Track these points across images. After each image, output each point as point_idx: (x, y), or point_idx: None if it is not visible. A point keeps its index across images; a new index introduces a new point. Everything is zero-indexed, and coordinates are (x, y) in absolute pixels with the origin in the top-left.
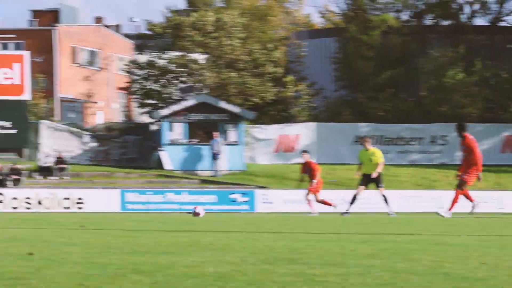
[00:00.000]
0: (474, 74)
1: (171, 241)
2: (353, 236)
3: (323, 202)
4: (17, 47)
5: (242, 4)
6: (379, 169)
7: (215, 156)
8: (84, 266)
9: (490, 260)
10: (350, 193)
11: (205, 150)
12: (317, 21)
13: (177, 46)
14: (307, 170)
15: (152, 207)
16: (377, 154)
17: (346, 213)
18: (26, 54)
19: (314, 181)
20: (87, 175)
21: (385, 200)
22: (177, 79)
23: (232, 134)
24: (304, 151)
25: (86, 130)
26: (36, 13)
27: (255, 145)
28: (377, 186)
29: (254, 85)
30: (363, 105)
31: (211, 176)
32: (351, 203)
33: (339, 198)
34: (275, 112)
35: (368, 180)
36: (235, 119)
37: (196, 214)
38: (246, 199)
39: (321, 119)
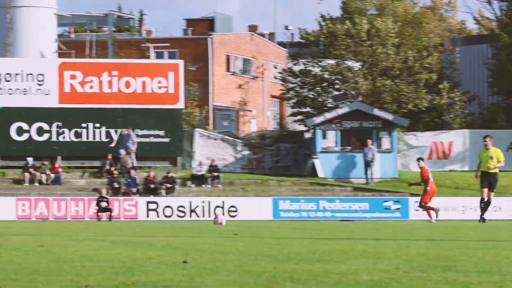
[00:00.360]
0: None
1: (325, 249)
2: (506, 243)
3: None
4: (172, 56)
5: (395, 11)
6: (499, 164)
7: (368, 164)
8: (238, 274)
9: None
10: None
11: (358, 157)
12: (472, 27)
13: (331, 54)
14: (422, 177)
15: (304, 215)
16: (498, 153)
17: (482, 219)
18: (180, 63)
19: (428, 188)
20: (240, 183)
21: (486, 206)
22: (331, 87)
23: (386, 141)
24: (419, 158)
25: (240, 138)
26: (191, 22)
27: (408, 152)
28: (490, 190)
29: (408, 93)
30: None
31: (364, 184)
32: (484, 209)
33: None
34: (428, 119)
35: (487, 181)
36: (388, 126)
37: (218, 223)
38: (398, 206)
39: (475, 126)
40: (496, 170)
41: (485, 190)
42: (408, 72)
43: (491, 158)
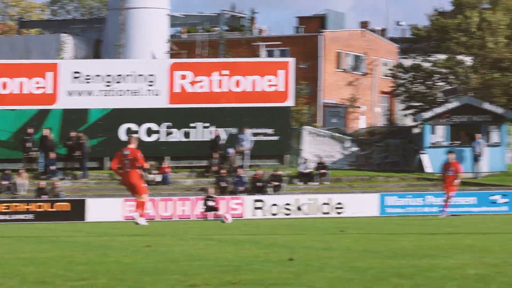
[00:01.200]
0: None
1: (431, 244)
2: None
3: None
4: (283, 54)
5: (509, 4)
6: None
7: (476, 158)
8: (344, 270)
9: None
10: None
11: (467, 152)
12: None
13: (443, 49)
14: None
15: (411, 211)
16: None
17: None
18: (291, 61)
19: (457, 181)
20: (347, 180)
21: None
22: (442, 82)
23: (494, 135)
24: (451, 152)
25: (348, 135)
26: (303, 20)
27: None
28: None
29: None
30: None
31: (472, 178)
32: None
33: None
34: None
35: None
36: (498, 120)
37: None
38: (506, 200)
39: None
40: None
41: None
42: None
43: None
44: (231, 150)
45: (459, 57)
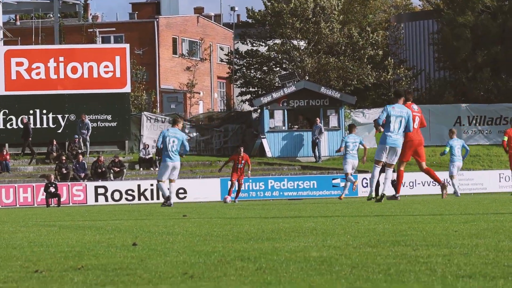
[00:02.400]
0: None
1: (274, 227)
2: (456, 217)
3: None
4: (118, 40)
5: None
6: None
7: (316, 142)
8: (188, 254)
9: None
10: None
11: (306, 136)
12: (417, 3)
13: (278, 33)
14: None
15: (253, 195)
16: None
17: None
18: (126, 47)
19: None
20: (188, 165)
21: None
22: (278, 66)
23: (333, 119)
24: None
25: (187, 120)
26: (137, 6)
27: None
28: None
29: (353, 69)
30: (464, 86)
31: (313, 162)
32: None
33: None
34: (375, 96)
35: None
36: (335, 104)
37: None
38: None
39: (423, 102)
40: None
41: None
42: (352, 49)
43: None
44: (77, 137)
45: (294, 42)
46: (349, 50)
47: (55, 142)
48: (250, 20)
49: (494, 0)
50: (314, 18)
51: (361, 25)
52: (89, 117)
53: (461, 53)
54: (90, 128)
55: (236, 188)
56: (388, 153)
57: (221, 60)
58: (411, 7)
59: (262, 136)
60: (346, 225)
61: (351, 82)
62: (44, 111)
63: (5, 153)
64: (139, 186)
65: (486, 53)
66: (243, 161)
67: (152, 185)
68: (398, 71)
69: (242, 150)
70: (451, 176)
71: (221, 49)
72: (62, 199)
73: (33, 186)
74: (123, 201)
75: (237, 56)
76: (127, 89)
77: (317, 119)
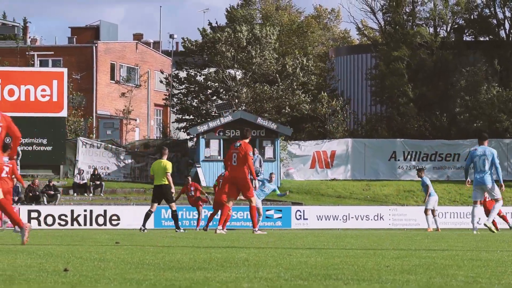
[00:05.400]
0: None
1: (206, 257)
2: (388, 252)
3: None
4: (56, 64)
5: (281, 20)
6: None
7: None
8: (119, 282)
9: None
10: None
11: None
12: (356, 37)
13: (214, 62)
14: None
15: (187, 224)
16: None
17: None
18: (64, 71)
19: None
20: (122, 192)
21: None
22: (215, 95)
23: (269, 150)
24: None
25: (123, 147)
26: (76, 30)
27: (291, 161)
28: None
29: (289, 99)
30: (399, 121)
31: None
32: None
33: (373, 214)
34: (312, 128)
35: None
36: (271, 135)
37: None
38: (280, 215)
39: (358, 135)
40: None
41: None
42: (289, 79)
43: None
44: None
45: (231, 71)
46: (285, 80)
47: None
48: (185, 50)
49: (432, 35)
50: (249, 47)
51: (298, 57)
52: (24, 141)
53: (395, 88)
54: (20, 153)
55: (198, 217)
56: None
57: (159, 88)
58: (349, 40)
59: (197, 165)
60: (279, 257)
61: (285, 111)
62: None
63: None
64: (72, 211)
65: (420, 89)
66: (192, 189)
67: (85, 210)
68: (333, 103)
69: (190, 179)
70: (428, 211)
71: (159, 76)
72: None
73: None
74: (56, 225)
75: (175, 80)
76: (64, 113)
77: (255, 150)
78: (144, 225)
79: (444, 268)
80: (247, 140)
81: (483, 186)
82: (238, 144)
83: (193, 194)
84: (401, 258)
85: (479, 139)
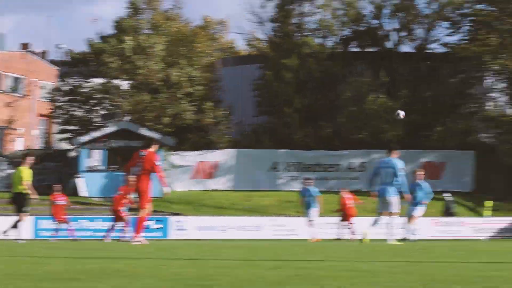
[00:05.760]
0: (397, 100)
1: (80, 268)
2: (264, 262)
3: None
4: None
5: (169, 30)
6: None
7: None
8: None
9: (397, 286)
10: (264, 220)
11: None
12: (243, 47)
13: (99, 73)
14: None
15: (63, 234)
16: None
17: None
18: None
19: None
20: (2, 202)
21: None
22: (100, 106)
23: None
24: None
25: (4, 156)
26: None
27: (172, 171)
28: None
29: (171, 107)
30: (282, 131)
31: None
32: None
33: (253, 225)
34: (195, 138)
35: None
36: None
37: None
38: (159, 226)
39: (242, 146)
40: None
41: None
42: (172, 89)
43: None
44: None
45: (116, 81)
46: (169, 90)
47: None
48: (71, 60)
49: (320, 46)
50: (134, 57)
51: (183, 66)
52: None
53: (280, 98)
54: None
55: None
56: None
57: (44, 98)
58: (236, 50)
59: (77, 176)
60: (154, 268)
61: (165, 120)
62: None
63: None
64: None
65: (308, 98)
66: (59, 199)
67: None
68: (218, 114)
69: (60, 187)
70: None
71: (44, 86)
72: None
73: None
74: None
75: (59, 93)
76: None
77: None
78: (17, 235)
79: (319, 279)
80: (152, 149)
81: (384, 198)
82: (143, 154)
83: (61, 203)
84: (277, 269)
85: (387, 151)
